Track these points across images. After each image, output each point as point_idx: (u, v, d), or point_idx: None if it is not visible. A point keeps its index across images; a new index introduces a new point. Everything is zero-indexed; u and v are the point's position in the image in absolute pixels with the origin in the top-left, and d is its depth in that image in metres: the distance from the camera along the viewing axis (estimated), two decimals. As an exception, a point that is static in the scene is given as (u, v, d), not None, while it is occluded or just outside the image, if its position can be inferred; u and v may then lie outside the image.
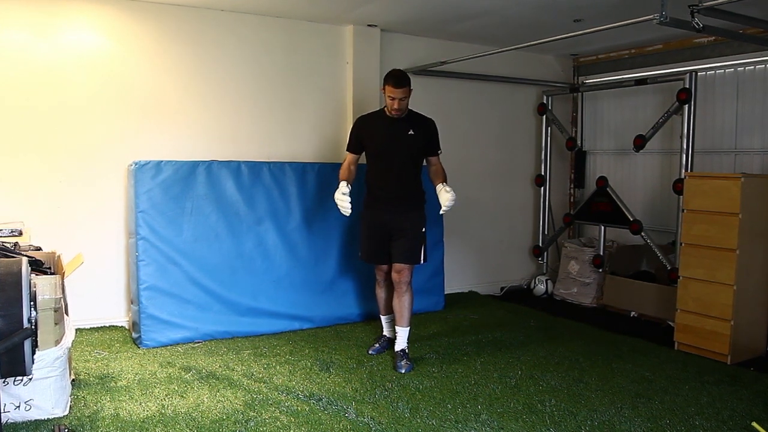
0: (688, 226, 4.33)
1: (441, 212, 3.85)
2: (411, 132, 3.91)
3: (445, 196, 3.79)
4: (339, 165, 4.91)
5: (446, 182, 3.92)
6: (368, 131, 3.99)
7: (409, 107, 3.93)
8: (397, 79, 3.79)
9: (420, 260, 3.93)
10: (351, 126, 5.14)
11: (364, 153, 4.06)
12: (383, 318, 4.23)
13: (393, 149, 3.91)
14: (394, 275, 3.92)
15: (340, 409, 3.18)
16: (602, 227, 5.66)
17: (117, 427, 2.92)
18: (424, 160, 4.03)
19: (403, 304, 3.90)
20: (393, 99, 3.80)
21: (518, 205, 6.39)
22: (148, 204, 4.19)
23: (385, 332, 4.23)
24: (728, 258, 4.08)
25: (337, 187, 3.87)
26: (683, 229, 4.41)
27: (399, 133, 3.90)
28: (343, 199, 3.81)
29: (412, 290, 3.95)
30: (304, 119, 5.12)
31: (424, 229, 3.96)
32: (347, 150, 4.08)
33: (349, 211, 3.83)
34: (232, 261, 4.45)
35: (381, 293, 4.16)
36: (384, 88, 3.84)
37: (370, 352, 4.11)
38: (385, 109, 3.93)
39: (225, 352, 4.04)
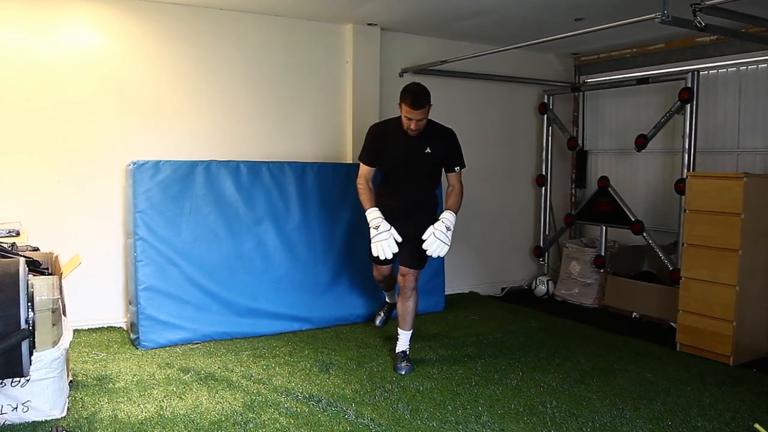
0: (690, 227, 4.31)
1: (424, 246, 3.55)
2: (428, 150, 3.63)
3: (431, 240, 3.49)
4: (339, 165, 4.95)
5: (456, 212, 3.64)
6: (384, 143, 3.70)
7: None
8: (416, 98, 3.41)
9: (425, 266, 3.86)
10: (351, 125, 5.19)
11: None
12: (386, 293, 4.29)
13: (407, 166, 3.69)
14: (399, 278, 3.85)
15: (340, 410, 3.16)
16: (603, 227, 5.64)
17: (115, 428, 2.90)
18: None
19: (407, 308, 3.84)
20: (410, 120, 3.47)
21: (519, 205, 6.37)
22: (146, 204, 4.17)
23: (388, 299, 4.29)
24: (730, 258, 4.06)
25: (370, 223, 3.54)
26: (685, 230, 4.39)
27: (415, 150, 3.64)
28: (392, 246, 3.49)
29: (418, 294, 3.88)
30: (303, 118, 5.10)
31: None
32: (362, 160, 3.75)
33: (391, 255, 3.58)
34: (231, 261, 4.43)
35: (381, 285, 4.19)
36: (400, 105, 3.50)
37: (377, 323, 4.16)
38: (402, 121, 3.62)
39: (224, 353, 4.02)
